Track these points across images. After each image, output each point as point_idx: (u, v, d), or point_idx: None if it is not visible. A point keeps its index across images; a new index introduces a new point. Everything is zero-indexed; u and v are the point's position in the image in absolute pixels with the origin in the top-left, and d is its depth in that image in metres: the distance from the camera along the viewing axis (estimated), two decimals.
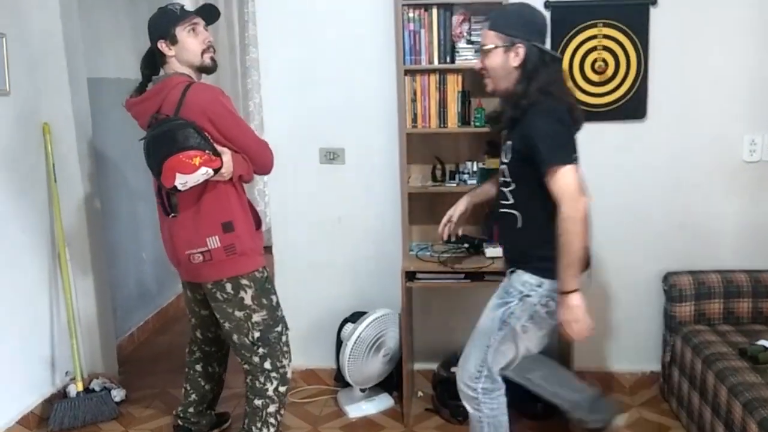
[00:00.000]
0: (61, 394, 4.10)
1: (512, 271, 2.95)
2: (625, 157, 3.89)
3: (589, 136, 3.78)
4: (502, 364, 3.01)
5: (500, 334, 2.92)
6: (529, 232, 2.85)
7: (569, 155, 2.74)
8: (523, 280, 2.87)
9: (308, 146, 3.99)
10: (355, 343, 3.82)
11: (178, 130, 2.80)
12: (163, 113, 2.89)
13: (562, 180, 2.68)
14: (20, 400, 3.88)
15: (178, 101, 2.87)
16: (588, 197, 2.78)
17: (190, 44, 3.00)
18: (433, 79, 3.70)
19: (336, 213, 4.11)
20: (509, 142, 2.89)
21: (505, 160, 2.91)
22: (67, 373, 4.21)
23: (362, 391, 4.04)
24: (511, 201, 2.91)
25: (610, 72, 3.79)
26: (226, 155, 2.93)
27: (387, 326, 3.89)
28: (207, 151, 2.82)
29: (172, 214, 3.05)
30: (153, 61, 3.08)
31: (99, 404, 4.02)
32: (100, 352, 4.39)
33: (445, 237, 3.33)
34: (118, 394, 4.15)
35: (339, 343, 4.02)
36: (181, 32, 2.98)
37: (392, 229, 4.03)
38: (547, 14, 3.70)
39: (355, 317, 3.99)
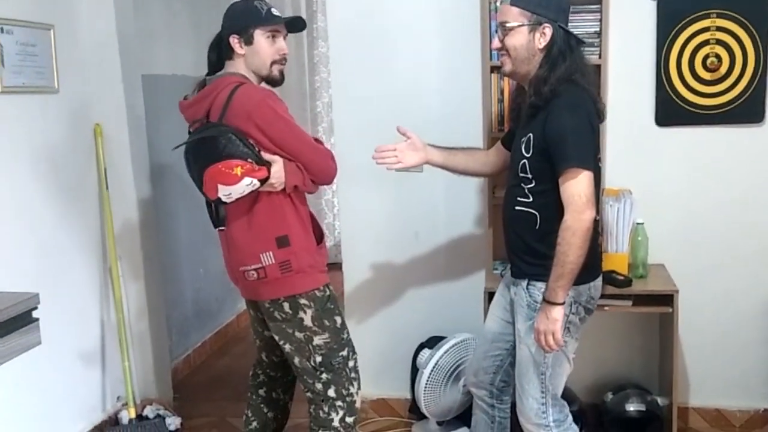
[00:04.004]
0: (113, 421, 4.18)
1: (529, 284, 2.95)
2: (737, 166, 3.79)
3: (698, 141, 3.77)
4: (563, 385, 3.04)
5: (550, 356, 2.92)
6: (548, 235, 2.82)
7: (590, 159, 2.77)
8: None
9: None
10: (432, 371, 3.79)
11: (218, 136, 2.82)
12: (210, 118, 2.92)
13: (575, 186, 2.72)
14: (69, 427, 3.94)
15: (224, 104, 2.88)
16: (593, 211, 2.77)
17: (264, 51, 3.01)
18: None
19: (412, 227, 4.09)
20: (530, 134, 2.87)
21: (526, 154, 2.88)
22: (118, 398, 4.28)
23: (439, 424, 4.01)
24: (531, 199, 2.91)
25: (724, 69, 3.70)
26: (276, 164, 2.92)
27: (468, 353, 3.85)
28: (249, 160, 2.82)
29: (220, 228, 3.09)
30: (220, 50, 3.08)
31: None
32: (154, 376, 4.45)
33: (379, 161, 3.23)
34: (172, 422, 4.20)
35: (414, 371, 4.00)
36: (260, 35, 2.99)
37: (474, 246, 4.00)
38: (654, 4, 3.65)
39: (432, 343, 3.96)
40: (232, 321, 5.87)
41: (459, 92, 3.90)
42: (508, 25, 2.86)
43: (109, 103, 4.11)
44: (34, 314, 2.57)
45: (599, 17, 3.51)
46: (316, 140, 3.17)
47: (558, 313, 2.78)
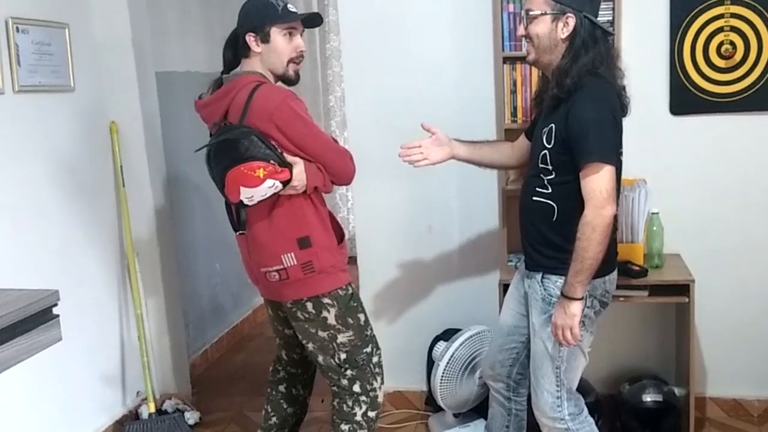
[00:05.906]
0: (133, 416, 4.21)
1: (543, 277, 2.94)
2: (753, 154, 3.77)
3: (712, 129, 3.75)
4: (578, 378, 3.03)
5: (565, 350, 2.91)
6: (565, 227, 2.81)
7: (613, 154, 2.75)
8: (562, 285, 2.84)
9: (395, 146, 3.93)
10: (447, 363, 3.79)
11: (240, 138, 2.81)
12: (229, 119, 2.91)
13: (597, 182, 2.69)
14: (91, 422, 3.98)
15: (244, 105, 2.87)
16: (615, 207, 2.75)
17: (281, 49, 2.98)
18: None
19: (426, 220, 4.10)
20: (552, 125, 2.85)
21: (548, 145, 2.86)
22: (138, 393, 4.31)
23: (455, 416, 4.01)
24: (549, 190, 2.89)
25: (738, 56, 3.67)
26: (298, 166, 2.91)
27: (483, 345, 3.84)
28: (272, 162, 2.81)
29: (240, 231, 3.09)
30: (235, 47, 3.06)
31: (172, 427, 4.10)
32: (172, 371, 4.48)
33: (405, 158, 3.24)
34: (191, 417, 4.24)
35: (430, 364, 4.00)
36: (276, 33, 2.96)
37: (488, 238, 4.00)
38: None
39: (448, 335, 3.96)
40: (248, 316, 5.88)
41: (472, 84, 3.89)
42: (531, 12, 2.83)
43: (123, 101, 4.13)
44: (54, 311, 2.59)
45: (612, 6, 3.48)
46: (333, 140, 3.16)
47: (576, 308, 2.76)
